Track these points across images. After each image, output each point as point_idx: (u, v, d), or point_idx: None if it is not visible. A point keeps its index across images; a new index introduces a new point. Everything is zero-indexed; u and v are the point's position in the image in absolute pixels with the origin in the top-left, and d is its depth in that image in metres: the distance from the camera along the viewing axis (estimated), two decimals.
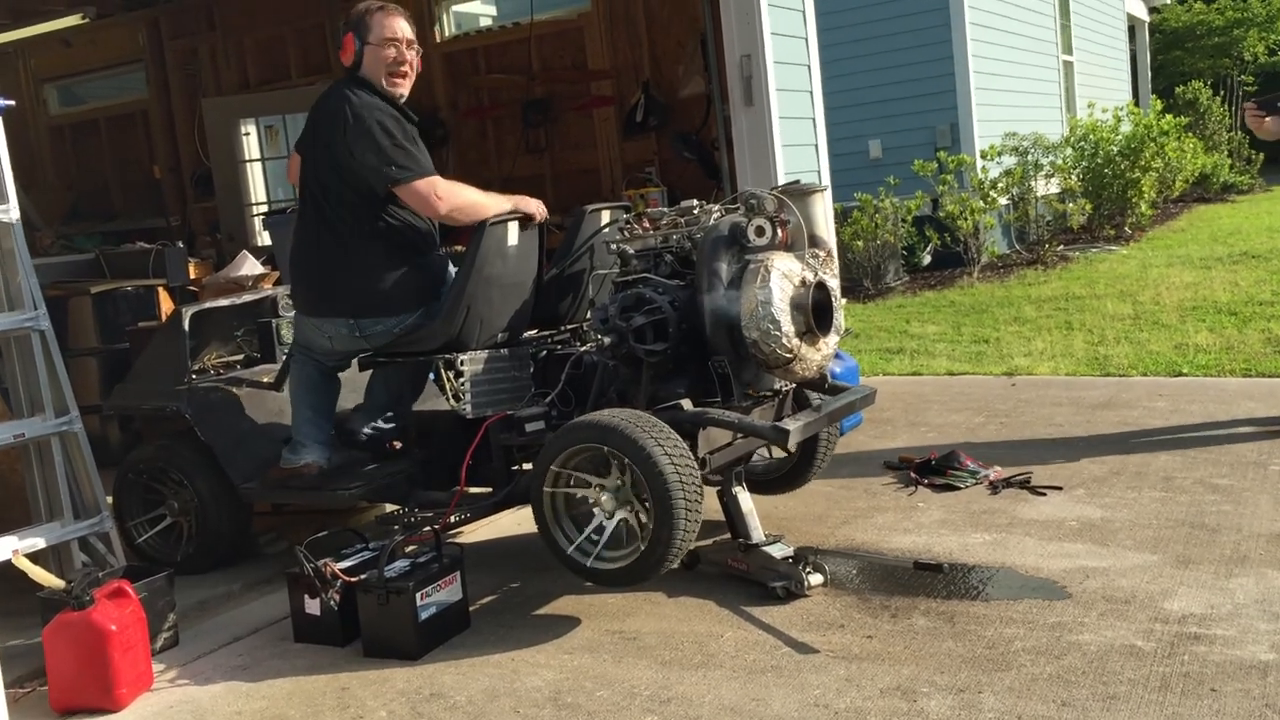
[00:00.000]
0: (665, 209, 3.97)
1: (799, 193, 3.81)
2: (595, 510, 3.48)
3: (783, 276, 3.50)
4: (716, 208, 3.89)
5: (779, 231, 3.60)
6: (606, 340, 3.66)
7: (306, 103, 10.53)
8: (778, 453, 4.35)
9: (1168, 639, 3.10)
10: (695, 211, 3.86)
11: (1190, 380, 6.20)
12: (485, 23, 10.50)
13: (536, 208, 4.00)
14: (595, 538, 3.49)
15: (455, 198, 3.81)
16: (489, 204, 3.90)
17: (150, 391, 4.42)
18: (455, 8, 10.09)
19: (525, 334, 4.19)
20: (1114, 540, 3.87)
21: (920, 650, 3.17)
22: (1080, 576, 3.58)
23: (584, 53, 9.30)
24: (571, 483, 3.51)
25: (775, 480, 4.36)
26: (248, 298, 4.89)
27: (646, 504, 3.35)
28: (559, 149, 9.51)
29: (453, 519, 3.89)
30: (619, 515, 3.45)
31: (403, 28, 3.93)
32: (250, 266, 6.02)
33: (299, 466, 4.06)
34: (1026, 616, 3.32)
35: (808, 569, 3.61)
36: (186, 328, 4.37)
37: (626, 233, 3.95)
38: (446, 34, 9.95)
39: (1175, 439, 5.04)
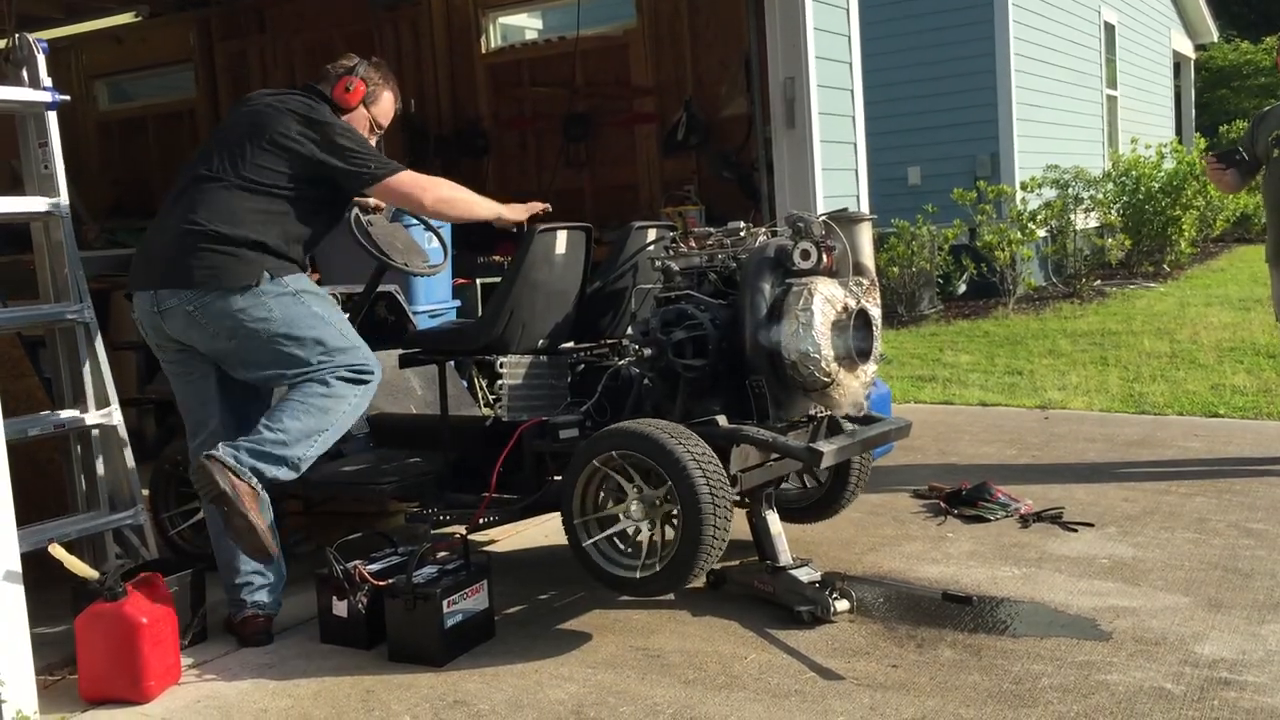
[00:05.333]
0: (711, 229, 3.99)
1: (847, 220, 3.82)
2: (623, 517, 3.49)
3: (825, 301, 3.51)
4: (763, 230, 3.91)
5: (824, 257, 3.62)
6: (646, 352, 3.68)
7: None
8: (811, 480, 4.34)
9: (1197, 683, 3.06)
10: (741, 233, 3.88)
11: (1227, 421, 6.14)
12: (531, 35, 10.57)
13: (523, 214, 3.84)
14: (621, 545, 3.52)
15: (439, 189, 3.64)
16: (477, 200, 3.74)
17: None
18: (502, 19, 10.16)
19: (564, 345, 4.22)
20: (1145, 580, 3.84)
21: (945, 682, 3.15)
22: (1110, 615, 3.55)
23: (628, 69, 9.33)
24: (602, 488, 3.53)
25: (807, 508, 4.35)
26: None
27: (675, 515, 3.37)
28: (599, 164, 9.54)
29: (480, 521, 3.90)
30: (647, 524, 3.46)
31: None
32: None
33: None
34: (1054, 653, 3.30)
35: (834, 594, 3.61)
36: None
37: (672, 250, 3.98)
38: (492, 45, 10.01)
39: (1210, 480, 4.99)
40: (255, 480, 3.33)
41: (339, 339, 3.53)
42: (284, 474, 3.41)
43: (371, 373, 3.56)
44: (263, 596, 3.66)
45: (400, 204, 3.65)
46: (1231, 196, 14.07)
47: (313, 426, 3.43)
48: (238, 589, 3.66)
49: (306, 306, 3.48)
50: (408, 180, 3.58)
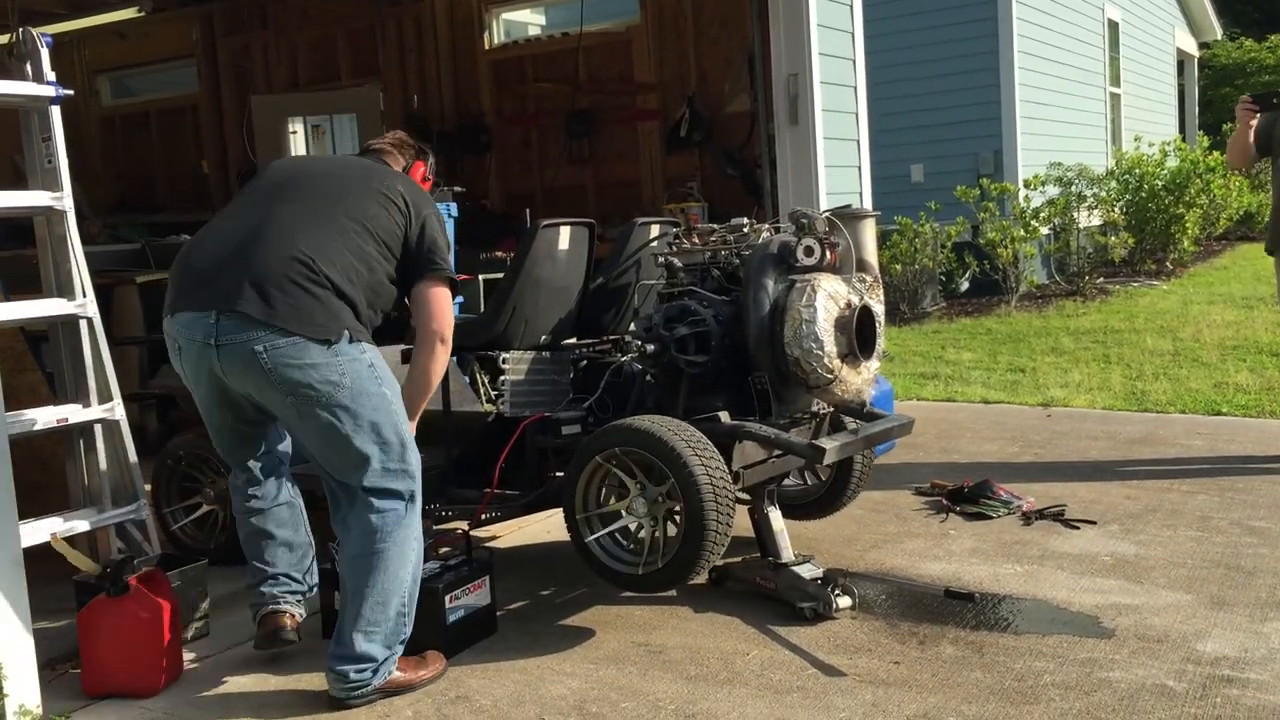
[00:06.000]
0: (715, 225, 4.00)
1: (850, 216, 3.83)
2: (626, 514, 3.50)
3: (828, 297, 3.51)
4: (766, 226, 3.92)
5: (828, 253, 3.62)
6: (649, 348, 3.68)
7: (355, 104, 10.57)
8: (813, 477, 4.35)
9: (1200, 680, 3.06)
10: (745, 229, 3.88)
11: (1229, 419, 6.13)
12: (534, 32, 10.56)
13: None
14: (623, 540, 3.52)
15: (448, 343, 3.30)
16: (430, 391, 3.35)
17: None
18: (505, 15, 10.15)
19: (567, 340, 4.22)
20: (1148, 578, 3.84)
21: (947, 679, 3.15)
22: (1113, 613, 3.55)
23: (631, 65, 9.32)
24: (605, 483, 3.54)
25: (808, 505, 4.35)
26: None
27: (678, 512, 3.37)
28: (601, 160, 9.53)
29: (483, 517, 3.90)
30: (649, 521, 3.47)
31: None
32: None
33: None
34: (1057, 651, 3.30)
35: (836, 591, 3.61)
36: None
37: (675, 246, 3.98)
38: (495, 41, 10.01)
39: (1212, 478, 4.98)
40: (384, 673, 3.14)
41: (393, 432, 3.14)
42: (390, 649, 3.17)
43: (414, 475, 3.20)
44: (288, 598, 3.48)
45: (422, 309, 3.26)
46: (1235, 194, 14.07)
47: (382, 586, 3.12)
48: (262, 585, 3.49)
49: (378, 385, 3.11)
50: (445, 301, 3.30)
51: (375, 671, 3.14)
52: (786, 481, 4.23)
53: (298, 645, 3.54)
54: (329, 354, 3.02)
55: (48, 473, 4.15)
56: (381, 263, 3.21)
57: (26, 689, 3.13)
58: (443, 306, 3.27)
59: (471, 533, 3.82)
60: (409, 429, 3.22)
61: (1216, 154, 12.77)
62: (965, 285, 11.22)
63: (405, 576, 3.18)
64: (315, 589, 3.55)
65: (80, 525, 3.66)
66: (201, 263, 3.18)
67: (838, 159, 6.75)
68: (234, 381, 3.12)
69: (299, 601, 3.49)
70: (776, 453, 3.70)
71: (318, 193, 3.24)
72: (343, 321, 3.07)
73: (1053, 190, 11.45)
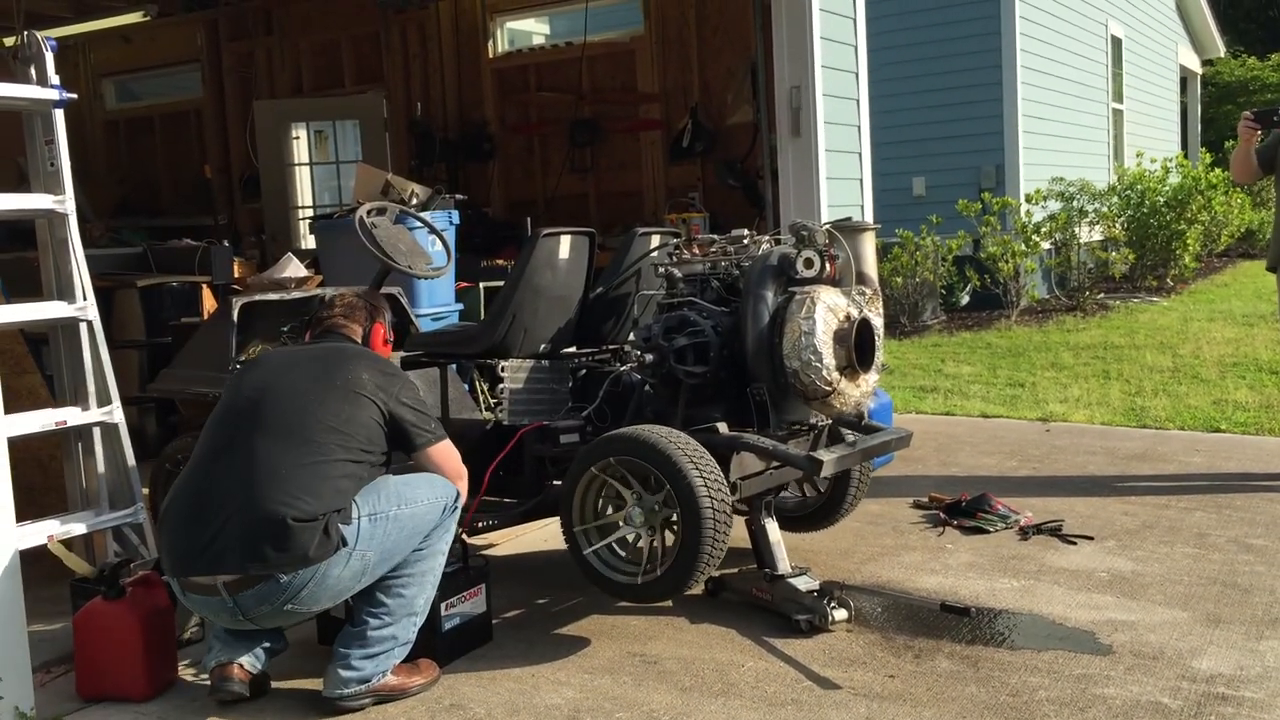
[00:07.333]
0: (715, 236, 4.00)
1: (850, 229, 3.84)
2: (623, 523, 3.50)
3: (828, 310, 3.52)
4: (766, 238, 3.92)
5: (827, 265, 3.62)
6: (648, 358, 3.68)
7: (358, 110, 10.60)
8: (811, 489, 4.35)
9: (1195, 698, 3.06)
10: (745, 241, 3.89)
11: (1228, 436, 6.13)
12: (538, 41, 10.60)
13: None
14: (620, 550, 3.52)
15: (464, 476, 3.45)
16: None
17: (194, 378, 4.48)
18: (510, 24, 10.19)
19: (566, 349, 4.23)
20: (1144, 594, 3.83)
21: (942, 693, 3.14)
22: (1109, 629, 3.55)
23: (634, 75, 9.36)
24: (602, 492, 3.54)
25: (805, 517, 4.35)
26: (296, 294, 4.95)
27: (675, 522, 3.37)
28: (604, 169, 9.56)
29: (478, 525, 3.90)
30: (646, 530, 3.47)
31: None
32: (294, 269, 6.08)
33: None
34: (1052, 666, 3.29)
35: (832, 603, 3.60)
36: (235, 318, 4.43)
37: (676, 257, 3.98)
38: (499, 50, 10.04)
39: (1210, 496, 4.98)
40: (379, 676, 3.17)
41: (425, 512, 3.23)
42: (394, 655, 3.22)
43: (458, 507, 3.34)
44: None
45: (439, 471, 3.37)
46: (1237, 211, 14.07)
47: (422, 593, 3.25)
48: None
49: (388, 519, 3.15)
50: (449, 456, 3.39)
51: (371, 674, 3.16)
52: (784, 493, 4.23)
53: (292, 651, 3.54)
54: (342, 558, 3.06)
55: (46, 475, 4.15)
56: (367, 455, 3.21)
57: (21, 691, 3.12)
58: (449, 464, 3.38)
59: (468, 540, 3.82)
60: (423, 488, 3.26)
61: (1218, 171, 12.78)
62: (966, 299, 11.23)
63: (424, 602, 3.27)
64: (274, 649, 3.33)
65: (77, 528, 3.66)
66: (182, 517, 3.13)
67: (840, 171, 6.77)
68: (272, 625, 3.20)
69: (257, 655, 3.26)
70: (774, 464, 3.70)
71: (288, 414, 3.17)
72: (336, 528, 3.06)
73: (1054, 205, 11.46)
